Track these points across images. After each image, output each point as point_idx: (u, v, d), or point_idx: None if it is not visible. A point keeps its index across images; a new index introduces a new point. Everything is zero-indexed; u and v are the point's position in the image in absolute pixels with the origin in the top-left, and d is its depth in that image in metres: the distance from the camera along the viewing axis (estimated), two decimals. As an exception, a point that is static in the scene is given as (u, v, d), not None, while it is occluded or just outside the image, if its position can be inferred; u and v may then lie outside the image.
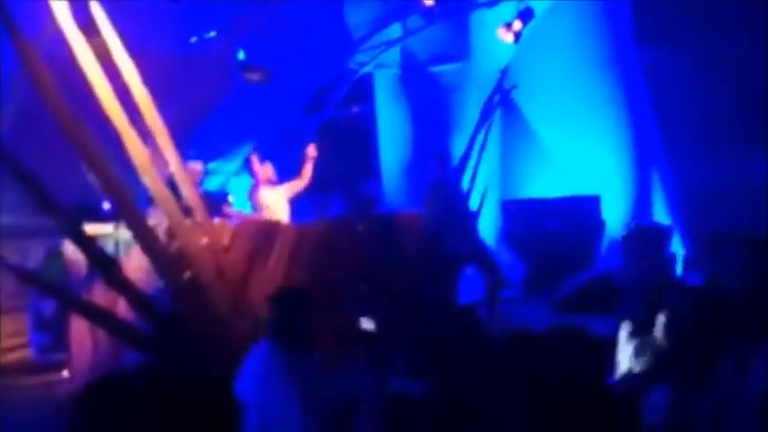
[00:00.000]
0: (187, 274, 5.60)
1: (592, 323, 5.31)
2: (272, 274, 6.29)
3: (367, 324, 6.81)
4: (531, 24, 9.05)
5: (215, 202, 7.68)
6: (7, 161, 5.13)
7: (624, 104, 9.24)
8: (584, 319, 5.89)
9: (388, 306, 6.71)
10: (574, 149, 9.45)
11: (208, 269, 5.72)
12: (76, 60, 5.17)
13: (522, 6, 8.91)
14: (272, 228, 6.67)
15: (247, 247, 6.25)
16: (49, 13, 5.19)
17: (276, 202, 7.76)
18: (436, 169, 8.20)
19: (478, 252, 7.58)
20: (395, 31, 10.13)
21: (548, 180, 9.73)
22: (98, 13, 5.45)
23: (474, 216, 8.20)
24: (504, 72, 9.51)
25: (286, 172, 8.21)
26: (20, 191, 5.21)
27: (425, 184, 8.23)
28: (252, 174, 7.99)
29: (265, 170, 7.91)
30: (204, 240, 5.82)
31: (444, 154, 8.53)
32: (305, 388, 3.28)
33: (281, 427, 3.25)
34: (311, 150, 8.13)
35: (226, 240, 6.10)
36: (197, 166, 7.58)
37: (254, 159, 7.95)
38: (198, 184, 7.50)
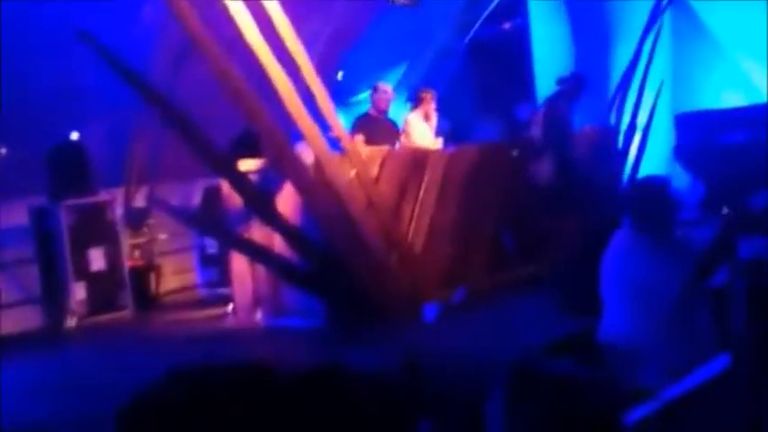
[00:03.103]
0: (337, 207, 5.88)
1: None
2: (422, 203, 6.46)
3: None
4: None
5: (395, 130, 7.78)
6: (161, 104, 5.57)
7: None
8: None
9: (546, 235, 6.71)
10: (760, 51, 8.79)
11: (357, 200, 5.97)
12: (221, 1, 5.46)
13: None
14: (421, 156, 6.79)
15: (396, 176, 6.42)
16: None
17: (427, 136, 7.73)
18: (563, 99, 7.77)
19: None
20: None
21: (728, 88, 9.16)
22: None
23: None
24: (675, -32, 8.97)
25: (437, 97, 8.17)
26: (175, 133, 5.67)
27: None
28: (414, 103, 7.96)
29: (430, 105, 7.82)
30: (352, 172, 6.05)
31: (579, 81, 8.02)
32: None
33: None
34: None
35: (374, 171, 6.30)
36: (387, 86, 7.78)
37: (427, 96, 7.83)
38: (387, 107, 7.71)
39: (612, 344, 3.59)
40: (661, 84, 8.68)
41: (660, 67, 8.97)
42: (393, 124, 7.86)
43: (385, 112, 7.76)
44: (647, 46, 8.66)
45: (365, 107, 7.95)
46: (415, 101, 7.92)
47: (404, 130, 7.74)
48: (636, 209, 3.66)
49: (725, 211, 7.61)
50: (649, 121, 8.43)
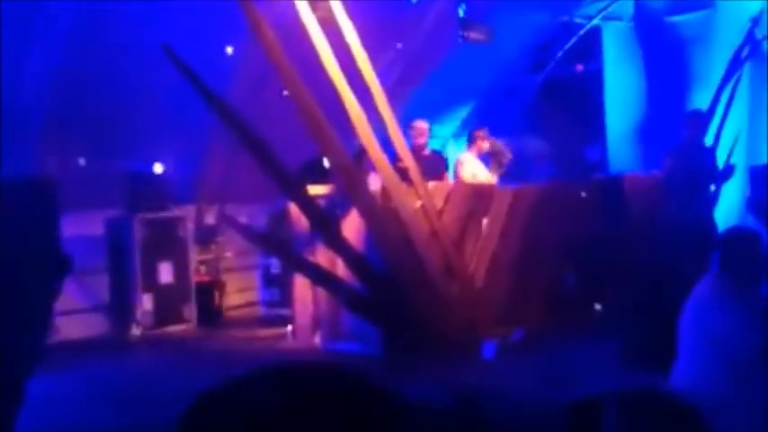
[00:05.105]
0: (401, 237, 5.90)
1: None
2: (485, 238, 6.44)
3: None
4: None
5: (435, 164, 7.86)
6: (236, 125, 5.71)
7: None
8: None
9: (611, 278, 6.59)
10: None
11: (421, 231, 5.99)
12: (302, 26, 5.60)
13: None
14: (487, 191, 6.79)
15: (461, 209, 6.43)
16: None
17: (479, 173, 7.77)
18: (688, 131, 7.81)
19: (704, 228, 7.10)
20: (628, -22, 9.71)
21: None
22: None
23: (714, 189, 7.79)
24: (756, 20, 8.82)
25: (505, 133, 8.21)
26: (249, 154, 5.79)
27: (672, 146, 7.89)
28: (468, 142, 8.05)
29: (484, 143, 7.91)
30: (418, 203, 6.07)
31: (699, 116, 8.08)
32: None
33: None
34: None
35: (440, 203, 6.31)
36: (423, 124, 7.84)
37: (479, 134, 7.95)
38: (424, 143, 7.75)
39: (683, 392, 3.49)
40: (737, 135, 8.50)
41: (736, 119, 8.79)
42: (435, 157, 7.84)
43: (421, 147, 7.71)
44: (724, 96, 8.50)
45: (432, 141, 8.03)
46: (470, 140, 7.99)
47: (455, 168, 7.80)
48: (726, 257, 3.59)
49: None
50: (724, 171, 8.23)
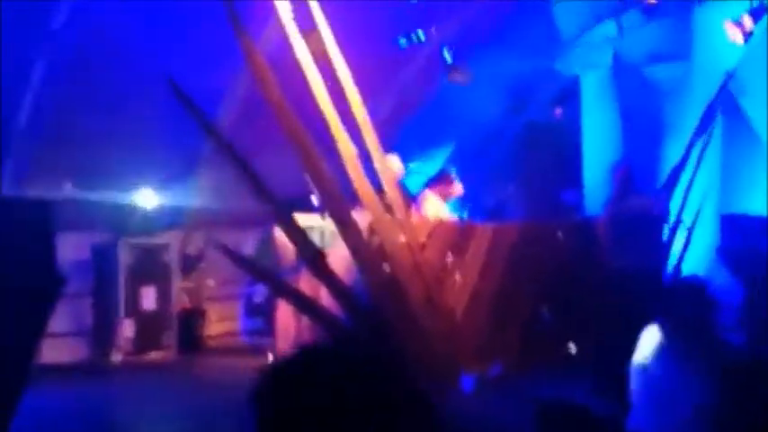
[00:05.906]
0: (385, 269, 6.05)
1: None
2: (465, 272, 6.62)
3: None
4: (764, 23, 8.66)
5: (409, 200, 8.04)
6: (227, 151, 5.85)
7: None
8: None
9: (585, 317, 6.79)
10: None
11: (405, 265, 6.14)
12: (295, 59, 5.79)
13: (754, 3, 8.54)
14: (468, 227, 6.99)
15: (444, 245, 6.61)
16: (272, 13, 5.85)
17: (439, 213, 8.00)
18: (615, 184, 8.15)
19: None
20: (608, 29, 10.06)
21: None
22: (317, 14, 6.05)
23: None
24: (731, 75, 9.16)
25: (485, 175, 8.44)
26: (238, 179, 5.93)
27: (605, 198, 8.23)
28: (434, 181, 8.30)
29: (448, 188, 8.18)
30: (402, 237, 6.23)
31: (623, 169, 8.41)
32: None
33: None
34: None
35: (423, 238, 6.48)
36: (392, 158, 8.03)
37: (446, 177, 8.24)
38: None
39: None
40: (709, 185, 8.77)
41: (709, 170, 9.07)
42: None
43: None
44: (697, 147, 8.79)
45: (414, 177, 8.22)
46: (435, 181, 8.21)
47: (418, 203, 8.01)
48: (671, 308, 3.58)
49: None
50: (694, 219, 8.48)
